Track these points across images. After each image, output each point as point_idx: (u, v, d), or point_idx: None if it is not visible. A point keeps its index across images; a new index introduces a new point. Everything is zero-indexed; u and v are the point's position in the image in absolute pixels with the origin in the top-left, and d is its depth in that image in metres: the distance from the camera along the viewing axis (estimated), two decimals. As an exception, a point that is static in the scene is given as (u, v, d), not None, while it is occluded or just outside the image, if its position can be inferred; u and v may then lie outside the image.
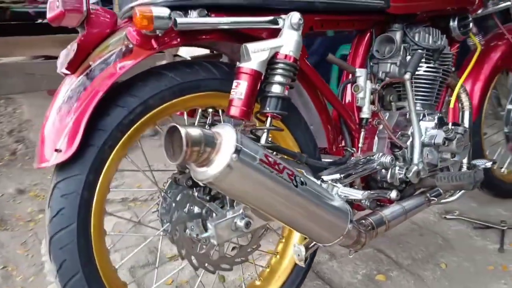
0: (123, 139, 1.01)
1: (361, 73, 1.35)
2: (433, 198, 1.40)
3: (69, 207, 0.95)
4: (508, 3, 1.70)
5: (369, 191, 1.11)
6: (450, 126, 1.36)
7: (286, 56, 1.06)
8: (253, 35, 1.11)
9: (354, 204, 1.25)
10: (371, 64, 1.42)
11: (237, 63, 1.05)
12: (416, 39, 1.45)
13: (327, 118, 1.31)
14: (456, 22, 1.58)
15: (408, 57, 1.43)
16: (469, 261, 1.64)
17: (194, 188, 1.08)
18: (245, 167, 0.83)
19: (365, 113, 1.36)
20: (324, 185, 1.09)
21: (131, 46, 0.98)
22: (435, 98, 1.52)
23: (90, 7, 0.95)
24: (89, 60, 0.97)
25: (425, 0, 1.44)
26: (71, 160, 0.93)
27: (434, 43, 1.49)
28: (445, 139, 1.34)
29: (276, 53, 1.06)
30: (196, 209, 1.10)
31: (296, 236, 1.33)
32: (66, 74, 0.98)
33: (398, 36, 1.41)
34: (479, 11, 1.72)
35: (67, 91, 0.95)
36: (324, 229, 1.02)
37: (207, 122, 1.18)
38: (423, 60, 1.46)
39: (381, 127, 1.42)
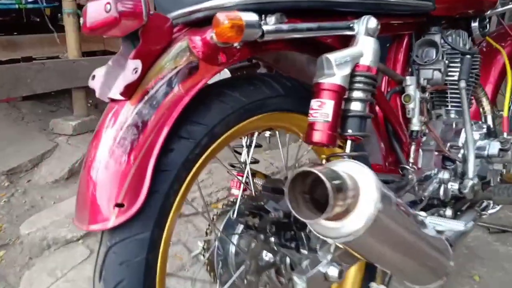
0: (187, 179, 0.79)
1: (411, 81, 1.23)
2: (483, 211, 1.32)
3: (132, 277, 0.72)
4: (517, 4, 1.68)
5: (470, 221, 0.98)
6: (505, 136, 1.28)
7: (368, 68, 0.90)
8: (320, 43, 0.94)
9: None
10: (413, 70, 1.31)
11: (316, 78, 0.87)
12: (452, 42, 1.36)
13: (382, 131, 1.18)
14: (477, 23, 1.53)
15: (446, 62, 1.33)
16: (500, 270, 1.60)
17: (267, 230, 0.89)
18: (387, 216, 0.66)
19: (416, 125, 1.24)
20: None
21: (196, 61, 0.77)
22: (468, 106, 1.45)
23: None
24: (146, 81, 0.74)
25: (464, 1, 1.36)
26: (134, 216, 0.70)
27: (465, 46, 1.42)
28: (500, 150, 1.26)
29: (356, 65, 0.90)
30: (269, 256, 0.91)
31: (352, 275, 1.17)
32: (114, 100, 0.74)
33: (437, 39, 1.31)
34: (489, 12, 1.69)
35: (124, 124, 0.71)
36: (432, 271, 0.88)
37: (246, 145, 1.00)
38: (458, 65, 1.38)
39: (427, 138, 1.31)
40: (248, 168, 0.97)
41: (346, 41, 0.95)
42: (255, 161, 1.15)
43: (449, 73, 1.35)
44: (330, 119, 0.85)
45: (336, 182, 0.59)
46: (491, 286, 1.51)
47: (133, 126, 0.71)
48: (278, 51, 0.93)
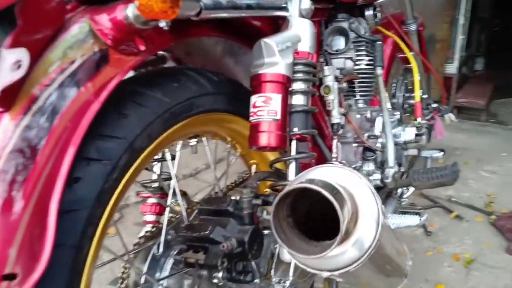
0: (104, 216, 0.56)
1: (329, 71, 1.14)
2: (401, 198, 1.31)
3: None
4: (400, -7, 1.74)
5: (423, 214, 0.92)
6: (419, 120, 1.28)
7: (308, 54, 0.77)
8: (251, 27, 0.78)
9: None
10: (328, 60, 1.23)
11: (255, 69, 0.71)
12: (356, 29, 1.32)
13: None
14: (371, 11, 1.52)
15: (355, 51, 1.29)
16: (410, 252, 1.64)
17: (218, 266, 0.69)
18: (384, 230, 0.53)
19: (337, 117, 1.15)
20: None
21: (105, 50, 0.54)
22: (373, 93, 1.44)
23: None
24: (32, 82, 0.49)
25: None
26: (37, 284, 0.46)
27: (366, 33, 1.40)
28: (417, 135, 1.25)
29: (295, 52, 0.76)
30: (214, 295, 0.72)
31: None
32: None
33: (346, 26, 1.26)
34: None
35: (4, 148, 0.45)
36: (395, 275, 0.79)
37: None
38: (364, 53, 1.35)
39: (344, 130, 1.25)
40: (175, 181, 0.76)
41: (276, 26, 0.81)
42: (168, 177, 0.94)
43: (357, 62, 1.31)
44: (279, 117, 0.69)
45: (342, 201, 0.44)
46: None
47: (17, 151, 0.46)
48: (201, 35, 0.73)
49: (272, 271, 0.74)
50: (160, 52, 0.93)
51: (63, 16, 0.53)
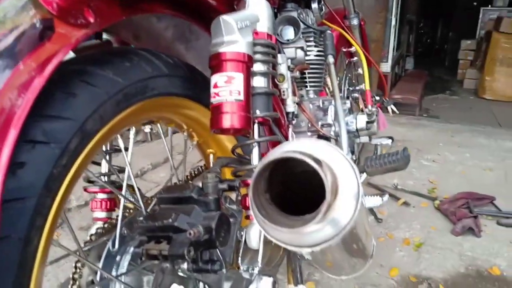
0: (55, 205, 0.50)
1: (282, 59, 1.12)
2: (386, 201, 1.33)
3: None
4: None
5: (385, 195, 0.92)
6: (370, 108, 1.30)
7: (267, 35, 0.75)
8: (204, 6, 0.74)
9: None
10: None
11: (215, 48, 0.67)
12: (305, 20, 1.32)
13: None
14: (316, 4, 1.54)
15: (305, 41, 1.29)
16: (363, 239, 1.67)
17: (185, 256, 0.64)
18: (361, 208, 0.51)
19: (291, 106, 1.15)
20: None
21: (49, 19, 0.48)
22: (322, 84, 1.45)
23: None
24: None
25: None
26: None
27: (313, 25, 1.40)
28: (367, 123, 1.27)
29: (254, 32, 0.74)
30: (179, 290, 0.67)
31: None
32: None
33: (295, 16, 1.25)
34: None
35: None
36: (363, 255, 0.79)
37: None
38: (313, 43, 1.36)
39: (298, 120, 1.24)
40: (130, 173, 0.70)
41: (232, 5, 0.78)
42: (121, 169, 0.87)
43: (308, 52, 1.32)
44: (242, 97, 0.66)
45: (327, 172, 0.42)
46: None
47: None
48: (155, 12, 0.69)
49: (239, 259, 0.71)
50: (105, 37, 0.87)
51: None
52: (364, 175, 1.42)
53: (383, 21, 4.96)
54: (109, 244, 0.69)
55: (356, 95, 2.11)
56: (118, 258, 0.70)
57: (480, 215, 1.79)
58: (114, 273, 0.69)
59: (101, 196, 0.84)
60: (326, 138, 1.23)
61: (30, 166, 0.47)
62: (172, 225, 0.60)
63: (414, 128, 3.44)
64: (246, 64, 0.68)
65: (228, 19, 0.67)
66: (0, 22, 0.46)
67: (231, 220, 0.72)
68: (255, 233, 0.71)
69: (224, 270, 0.69)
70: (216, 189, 0.65)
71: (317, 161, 0.42)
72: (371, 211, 1.85)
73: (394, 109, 2.12)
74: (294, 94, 1.16)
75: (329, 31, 1.27)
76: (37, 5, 0.48)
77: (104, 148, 0.83)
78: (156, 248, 0.60)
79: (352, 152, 1.33)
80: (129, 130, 0.73)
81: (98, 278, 0.67)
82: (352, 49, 1.96)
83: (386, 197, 1.08)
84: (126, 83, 0.61)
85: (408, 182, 2.14)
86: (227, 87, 0.66)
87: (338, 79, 1.92)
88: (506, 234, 1.68)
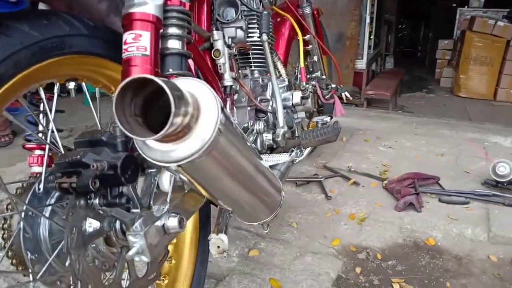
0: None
1: (219, 36, 1.22)
2: (294, 158, 1.42)
3: None
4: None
5: (294, 152, 1.01)
6: (304, 84, 1.39)
7: (180, 2, 0.84)
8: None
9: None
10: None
11: (126, 9, 0.76)
12: (247, 2, 1.41)
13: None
14: (265, -9, 1.63)
15: (247, 21, 1.38)
16: (311, 214, 1.77)
17: (90, 195, 0.73)
18: (230, 134, 0.60)
19: (228, 81, 1.24)
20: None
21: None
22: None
23: None
24: None
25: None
26: None
27: (258, 8, 1.50)
28: (302, 98, 1.37)
29: (167, -1, 0.82)
30: (94, 224, 0.75)
31: (187, 230, 1.11)
32: None
33: (237, -1, 1.35)
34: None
35: None
36: (269, 203, 0.88)
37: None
38: (256, 26, 1.45)
39: (238, 95, 1.33)
40: (53, 127, 0.79)
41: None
42: (59, 130, 0.95)
43: (250, 34, 1.41)
44: (148, 52, 0.75)
45: (178, 93, 0.51)
46: (308, 229, 1.66)
47: None
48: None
49: (151, 201, 0.79)
50: (40, 7, 0.95)
51: None
52: (307, 150, 1.52)
53: (357, 18, 5.08)
54: (35, 185, 0.77)
55: (313, 82, 2.20)
56: (44, 198, 0.78)
57: (423, 193, 1.90)
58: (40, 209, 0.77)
59: (38, 152, 0.92)
60: (264, 112, 1.33)
61: None
62: (80, 161, 0.68)
63: (381, 120, 3.55)
64: (153, 24, 0.76)
65: (138, -16, 0.75)
66: None
67: (150, 170, 0.81)
68: (166, 178, 0.80)
69: (137, 210, 0.78)
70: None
71: (175, 88, 0.51)
72: (322, 190, 1.95)
73: (348, 95, 2.23)
74: (232, 69, 1.25)
75: (265, 12, 1.36)
76: None
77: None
78: (66, 181, 0.68)
79: (291, 127, 1.42)
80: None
81: (22, 215, 0.75)
82: (307, 37, 2.05)
83: (294, 152, 1.17)
84: (41, 37, 0.69)
85: (362, 165, 2.25)
86: (134, 43, 0.74)
87: (296, 68, 2.02)
88: (445, 210, 1.79)
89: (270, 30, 1.40)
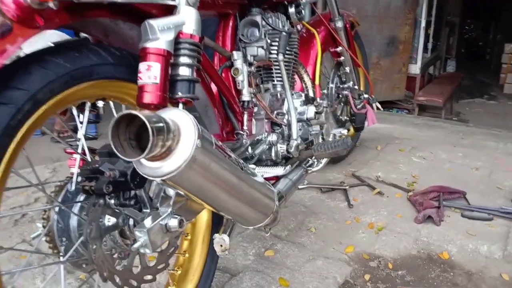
0: (11, 146, 0.77)
1: (238, 56, 1.36)
2: (308, 167, 1.53)
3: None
4: (326, -6, 1.96)
5: (289, 166, 1.13)
6: (318, 100, 1.50)
7: (191, 35, 0.98)
8: (144, 13, 0.98)
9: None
10: (240, 48, 1.44)
11: (142, 43, 0.92)
12: (272, 23, 1.53)
13: (216, 102, 1.28)
14: (293, 9, 1.74)
15: (269, 41, 1.50)
16: (331, 221, 1.86)
17: (106, 196, 0.90)
18: (207, 154, 0.74)
19: (246, 96, 1.37)
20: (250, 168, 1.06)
21: (9, 23, 0.74)
22: (292, 79, 1.65)
23: None
24: (-50, 42, 0.69)
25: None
26: None
27: (284, 27, 1.61)
28: (316, 113, 1.47)
29: (179, 32, 0.97)
30: (111, 220, 0.92)
31: (201, 229, 1.26)
32: None
33: (258, 19, 1.47)
34: (304, 0, 1.93)
35: None
36: (260, 210, 1.00)
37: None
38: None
39: (258, 108, 1.46)
40: (83, 139, 0.97)
41: (169, 11, 1.02)
42: (93, 138, 1.14)
43: (272, 51, 1.52)
44: (158, 81, 0.90)
45: (158, 124, 0.65)
46: (325, 235, 1.75)
47: None
48: (100, 17, 0.94)
49: (158, 203, 0.95)
50: (83, 34, 1.13)
51: (-24, -3, 0.74)
52: (324, 160, 1.62)
53: (412, 22, 4.99)
54: (68, 185, 0.96)
55: (345, 92, 2.28)
56: (73, 196, 0.96)
57: (447, 207, 1.92)
58: (70, 206, 0.95)
59: (76, 156, 1.11)
60: (279, 125, 1.45)
61: (-7, 117, 0.73)
62: (98, 169, 0.85)
63: (427, 128, 3.51)
64: (164, 56, 0.91)
65: (152, 23, 0.91)
66: (-23, 24, 0.72)
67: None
68: (172, 184, 0.95)
69: (148, 210, 0.94)
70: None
71: (156, 119, 0.65)
72: (346, 197, 2.02)
73: (379, 106, 2.27)
74: (250, 85, 1.38)
75: (284, 33, 1.47)
76: (2, 14, 0.74)
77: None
78: (87, 185, 0.85)
79: (306, 139, 1.52)
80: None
81: (56, 209, 0.93)
82: (339, 49, 2.13)
83: (288, 167, 1.27)
84: (72, 68, 0.86)
85: (392, 175, 2.29)
86: (147, 73, 0.90)
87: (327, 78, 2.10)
88: (465, 225, 1.80)
89: (288, 49, 1.51)
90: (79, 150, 0.98)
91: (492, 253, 1.63)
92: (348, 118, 2.37)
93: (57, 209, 0.93)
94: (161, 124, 0.66)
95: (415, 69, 5.27)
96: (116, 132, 0.65)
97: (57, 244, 0.94)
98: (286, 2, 1.70)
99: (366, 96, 2.29)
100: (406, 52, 5.01)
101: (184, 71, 0.98)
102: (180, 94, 0.97)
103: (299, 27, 1.88)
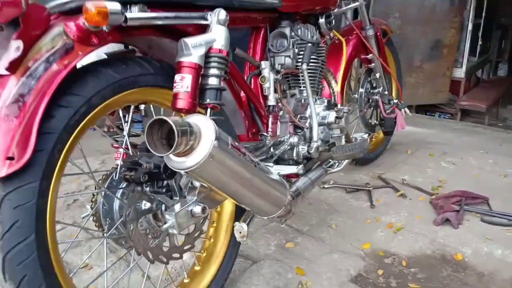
0: (69, 141, 0.96)
1: (265, 65, 1.51)
2: (328, 168, 1.65)
3: (26, 218, 0.87)
4: (357, 3, 2.07)
5: (292, 166, 1.28)
6: (339, 106, 1.62)
7: (219, 50, 1.14)
8: (182, 30, 1.15)
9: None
10: (269, 57, 1.59)
11: (177, 58, 1.09)
12: (300, 33, 1.67)
13: (244, 107, 1.43)
14: (324, 19, 1.86)
15: (297, 50, 1.64)
16: (352, 219, 1.97)
17: (143, 184, 1.08)
18: (223, 152, 0.90)
19: (272, 101, 1.52)
20: (266, 166, 1.22)
21: (71, 42, 0.94)
22: (317, 85, 1.78)
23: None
24: (28, 59, 0.89)
25: (307, 1, 1.67)
26: (24, 168, 0.86)
27: (312, 37, 1.74)
28: (336, 118, 1.60)
29: (210, 48, 1.13)
30: (147, 205, 1.10)
31: (225, 218, 1.43)
32: (1, 76, 0.88)
33: (287, 31, 1.61)
34: (336, 10, 2.05)
35: (10, 93, 0.86)
36: (273, 203, 1.16)
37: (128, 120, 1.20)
38: (308, 53, 1.70)
39: (282, 112, 1.60)
40: (126, 137, 1.15)
41: (203, 29, 1.18)
42: (136, 134, 1.33)
43: (299, 60, 1.66)
44: (189, 89, 1.07)
45: (183, 127, 0.82)
46: (344, 231, 1.87)
47: (18, 95, 0.86)
48: (145, 36, 1.12)
49: (186, 193, 1.12)
50: (130, 47, 1.33)
51: (48, 22, 0.93)
52: (344, 162, 1.74)
53: (458, 26, 4.92)
54: (113, 173, 1.15)
55: (375, 97, 2.38)
56: (119, 182, 1.15)
57: (469, 211, 1.98)
58: (114, 191, 1.14)
59: (120, 150, 1.31)
60: (301, 128, 1.59)
61: (57, 117, 0.92)
62: (137, 162, 1.03)
63: (465, 134, 3.49)
64: (195, 69, 1.08)
65: (186, 40, 1.08)
66: (48, 43, 0.92)
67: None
68: (198, 177, 1.12)
69: (176, 198, 1.12)
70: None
71: (181, 123, 0.82)
72: (369, 198, 2.13)
73: (408, 111, 2.35)
74: (276, 92, 1.53)
75: (309, 44, 1.60)
76: (66, 35, 0.93)
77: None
78: (128, 174, 1.04)
79: (327, 141, 1.65)
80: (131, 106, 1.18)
81: (103, 193, 1.13)
82: (369, 56, 2.23)
83: (300, 166, 1.40)
84: (120, 77, 1.04)
85: (418, 179, 2.36)
86: (180, 83, 1.07)
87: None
88: (483, 230, 1.86)
89: (314, 58, 1.65)
90: (123, 145, 1.17)
91: (505, 257, 1.68)
92: (377, 122, 2.46)
93: (103, 193, 1.13)
94: (185, 128, 0.82)
95: (460, 73, 5.19)
96: (151, 132, 0.82)
97: (102, 223, 1.13)
98: (317, 13, 1.84)
99: (395, 101, 2.37)
100: (451, 56, 4.94)
101: (212, 81, 1.14)
102: (208, 100, 1.13)
103: (332, 34, 2.00)
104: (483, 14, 5.56)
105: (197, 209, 1.09)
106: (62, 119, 0.93)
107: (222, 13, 1.16)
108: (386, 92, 2.35)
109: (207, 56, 1.13)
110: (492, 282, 1.57)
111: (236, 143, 0.97)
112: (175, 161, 0.88)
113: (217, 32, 1.15)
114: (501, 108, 5.97)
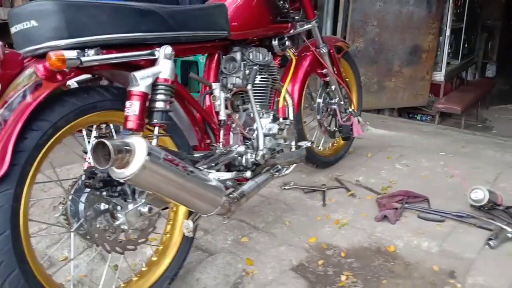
0: (39, 156, 1.23)
1: (216, 86, 1.78)
2: (275, 173, 1.91)
3: (2, 217, 1.14)
4: (310, 25, 2.32)
5: (233, 172, 1.54)
6: (281, 120, 1.88)
7: (165, 79, 1.41)
8: (136, 64, 1.42)
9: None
10: (222, 78, 1.85)
11: (128, 87, 1.36)
12: (251, 57, 1.93)
13: (195, 122, 1.70)
14: (276, 41, 2.12)
15: (247, 71, 1.90)
16: (305, 217, 2.23)
17: (102, 189, 1.35)
18: (155, 164, 1.17)
19: (222, 116, 1.79)
20: (203, 172, 1.49)
21: (40, 80, 1.21)
22: (268, 100, 2.04)
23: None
24: (5, 95, 1.16)
25: (255, 28, 1.94)
26: (1, 178, 1.13)
27: (263, 59, 2.00)
28: (279, 129, 1.86)
29: (157, 78, 1.40)
30: (105, 206, 1.37)
31: (180, 217, 1.69)
32: (-16, 109, 1.15)
33: (238, 56, 1.88)
34: (291, 31, 2.30)
35: (-10, 122, 1.13)
36: (208, 203, 1.42)
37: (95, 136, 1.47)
38: (258, 72, 1.96)
39: (234, 125, 1.87)
40: (89, 151, 1.42)
41: (153, 62, 1.45)
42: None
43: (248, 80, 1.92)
44: (137, 113, 1.33)
45: (118, 146, 1.09)
46: (296, 228, 2.12)
47: (-3, 123, 1.13)
48: (103, 69, 1.39)
49: (137, 195, 1.39)
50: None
51: (22, 65, 1.21)
52: (291, 166, 2.00)
53: (436, 31, 5.14)
54: (79, 180, 1.42)
55: (333, 106, 2.64)
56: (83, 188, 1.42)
57: (409, 209, 2.23)
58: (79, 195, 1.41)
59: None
60: (248, 138, 1.85)
61: (29, 139, 1.19)
62: (94, 171, 1.30)
63: (432, 137, 3.70)
64: (142, 96, 1.34)
65: (135, 74, 1.34)
66: (21, 81, 1.19)
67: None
68: (147, 183, 1.39)
69: (129, 200, 1.38)
70: (120, 157, 1.33)
71: (118, 144, 1.08)
72: (323, 198, 2.38)
73: (361, 120, 2.61)
74: (226, 108, 1.80)
75: (255, 67, 1.87)
76: (36, 75, 1.20)
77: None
78: (87, 181, 1.31)
79: (273, 149, 1.91)
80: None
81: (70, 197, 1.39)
82: (324, 71, 2.49)
83: (249, 173, 1.67)
84: (81, 104, 1.31)
85: (371, 180, 2.60)
86: (130, 107, 1.33)
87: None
88: (417, 225, 2.11)
89: (264, 77, 1.92)
90: (87, 158, 1.44)
91: (430, 248, 1.94)
92: (336, 129, 2.72)
93: (71, 197, 1.40)
94: (121, 147, 1.09)
95: (439, 76, 5.42)
96: (96, 150, 1.09)
97: (70, 221, 1.40)
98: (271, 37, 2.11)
99: (350, 110, 2.63)
100: (430, 60, 5.17)
101: (159, 104, 1.41)
102: (155, 120, 1.40)
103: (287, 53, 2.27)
104: (465, 19, 5.79)
105: (144, 208, 1.36)
106: (33, 140, 1.20)
107: (168, 49, 1.43)
108: (342, 102, 2.61)
109: (154, 84, 1.39)
110: (415, 270, 1.82)
111: (170, 156, 1.24)
112: (116, 172, 1.15)
113: (164, 65, 1.41)
114: (482, 109, 6.19)
